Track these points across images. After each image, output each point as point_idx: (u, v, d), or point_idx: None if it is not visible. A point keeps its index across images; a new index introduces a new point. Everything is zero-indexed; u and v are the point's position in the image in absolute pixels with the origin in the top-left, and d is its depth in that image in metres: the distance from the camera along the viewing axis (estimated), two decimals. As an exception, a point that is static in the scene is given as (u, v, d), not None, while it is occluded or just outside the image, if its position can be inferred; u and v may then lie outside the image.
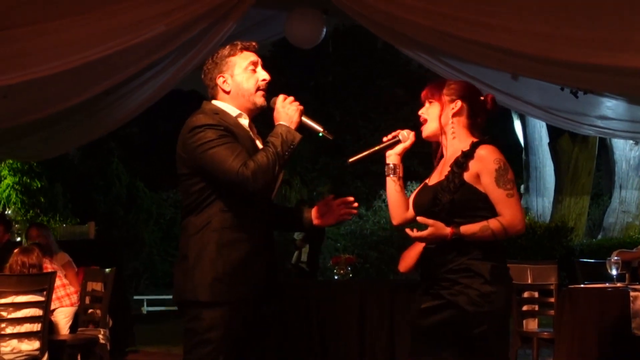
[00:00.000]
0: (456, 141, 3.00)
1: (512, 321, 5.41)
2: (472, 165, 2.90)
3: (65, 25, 5.41)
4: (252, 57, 3.04)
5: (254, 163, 2.80)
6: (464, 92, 3.05)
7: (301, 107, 2.97)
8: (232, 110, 3.00)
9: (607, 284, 5.12)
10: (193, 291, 2.87)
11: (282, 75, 25.56)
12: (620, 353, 4.73)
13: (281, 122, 2.94)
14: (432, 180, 3.05)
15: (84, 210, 17.82)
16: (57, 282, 5.76)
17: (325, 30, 7.02)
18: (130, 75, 6.41)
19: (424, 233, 2.84)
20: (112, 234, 16.45)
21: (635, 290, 4.75)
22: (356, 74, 25.13)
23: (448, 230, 2.84)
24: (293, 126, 2.93)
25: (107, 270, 5.96)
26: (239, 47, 3.03)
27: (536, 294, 5.75)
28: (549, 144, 14.92)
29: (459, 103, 3.02)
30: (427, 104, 3.10)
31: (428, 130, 3.09)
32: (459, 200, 2.89)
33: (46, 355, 5.01)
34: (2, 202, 16.62)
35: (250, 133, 3.03)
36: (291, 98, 2.99)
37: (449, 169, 2.94)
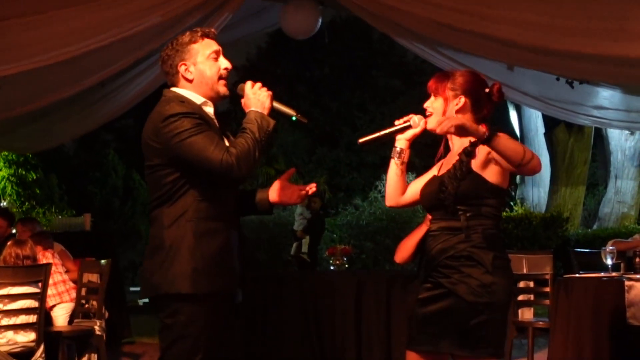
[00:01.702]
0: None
1: (509, 312, 5.43)
2: (480, 150, 2.89)
3: (60, 16, 5.40)
4: (214, 45, 2.95)
5: (236, 150, 2.74)
6: (468, 87, 3.00)
7: (271, 93, 2.90)
8: (196, 98, 2.91)
9: (602, 274, 5.13)
10: (172, 283, 2.76)
11: (278, 66, 25.53)
12: (615, 342, 4.74)
13: (253, 109, 2.86)
14: (442, 171, 3.05)
15: (80, 202, 17.81)
16: (58, 278, 5.75)
17: (320, 21, 7.01)
18: (126, 67, 6.40)
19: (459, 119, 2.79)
20: (108, 226, 16.44)
21: (630, 279, 4.76)
22: (352, 65, 25.08)
23: (482, 129, 2.75)
24: (265, 112, 2.87)
25: (102, 261, 5.96)
26: (199, 33, 2.94)
27: (532, 284, 5.76)
28: (545, 134, 14.94)
29: (462, 99, 2.99)
30: (432, 97, 3.08)
31: (433, 123, 3.05)
32: (465, 188, 2.89)
33: (42, 347, 5.00)
34: (-2, 194, 16.58)
35: (216, 121, 2.94)
36: (259, 84, 2.91)
37: (457, 157, 2.95)
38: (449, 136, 3.07)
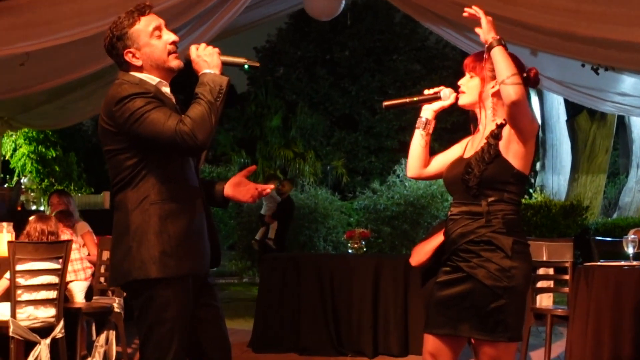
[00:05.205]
0: (496, 120, 2.98)
1: (527, 298, 5.40)
2: (505, 130, 2.91)
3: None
4: (153, 21, 2.85)
5: (189, 118, 2.67)
6: None
7: (217, 49, 2.82)
8: (151, 79, 2.84)
9: (623, 262, 5.10)
10: (141, 269, 2.72)
11: (298, 48, 25.47)
12: (635, 332, 4.71)
13: (204, 71, 2.80)
14: (467, 152, 3.04)
15: (99, 180, 17.92)
16: (76, 255, 5.78)
17: (344, 2, 6.96)
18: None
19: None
20: (126, 204, 16.46)
21: (651, 269, 4.72)
22: (373, 49, 24.99)
23: (493, 36, 2.86)
24: (217, 70, 2.79)
25: (122, 239, 5.97)
26: (135, 14, 2.83)
27: (551, 271, 5.73)
28: (567, 121, 14.81)
29: None
30: (467, 75, 3.06)
31: (465, 100, 3.06)
32: (491, 172, 2.89)
33: (61, 323, 5.03)
34: (17, 171, 16.72)
35: (173, 100, 2.89)
36: (203, 44, 2.85)
37: (485, 140, 2.94)
38: (479, 118, 3.04)
